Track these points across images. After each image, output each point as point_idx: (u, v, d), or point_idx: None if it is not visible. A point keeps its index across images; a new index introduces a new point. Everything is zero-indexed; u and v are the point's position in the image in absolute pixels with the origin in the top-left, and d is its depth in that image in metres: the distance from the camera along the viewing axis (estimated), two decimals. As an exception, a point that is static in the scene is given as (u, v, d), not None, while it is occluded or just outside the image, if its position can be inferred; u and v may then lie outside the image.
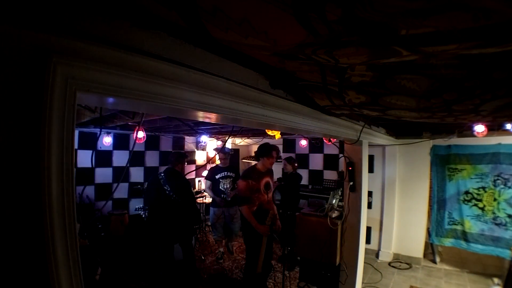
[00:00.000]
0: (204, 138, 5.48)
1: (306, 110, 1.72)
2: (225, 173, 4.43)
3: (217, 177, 4.44)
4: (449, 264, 4.39)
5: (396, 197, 4.74)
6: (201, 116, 1.21)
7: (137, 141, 4.12)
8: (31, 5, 0.57)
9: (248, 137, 6.11)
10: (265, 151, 3.16)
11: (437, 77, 1.08)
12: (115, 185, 5.04)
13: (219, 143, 6.53)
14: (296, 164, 4.67)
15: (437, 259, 4.49)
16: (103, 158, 5.00)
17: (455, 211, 4.24)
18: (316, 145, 5.77)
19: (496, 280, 3.77)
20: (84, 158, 4.37)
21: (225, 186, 4.38)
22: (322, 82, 1.29)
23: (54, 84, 0.60)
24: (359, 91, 1.34)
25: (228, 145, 6.72)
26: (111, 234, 4.43)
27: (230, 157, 4.79)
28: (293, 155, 6.04)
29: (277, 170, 4.77)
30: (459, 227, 4.20)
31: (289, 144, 6.30)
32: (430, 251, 4.57)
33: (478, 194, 4.05)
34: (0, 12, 0.52)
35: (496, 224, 3.90)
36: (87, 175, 4.61)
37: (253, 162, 3.33)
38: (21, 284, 0.58)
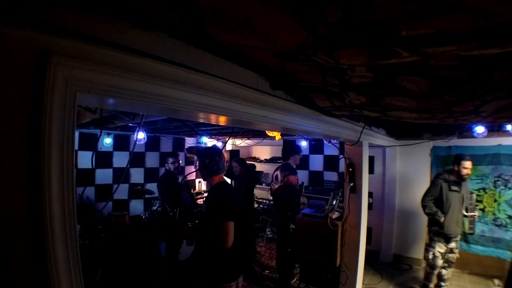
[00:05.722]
0: (204, 139, 5.47)
1: (307, 111, 1.71)
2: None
3: None
4: (449, 266, 4.37)
5: (396, 198, 4.73)
6: (201, 117, 1.21)
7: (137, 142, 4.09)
8: (31, 5, 0.57)
9: (248, 138, 6.10)
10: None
11: (437, 78, 1.08)
12: (115, 186, 5.03)
13: (220, 143, 6.48)
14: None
15: (438, 260, 4.47)
16: (103, 159, 4.99)
17: (456, 212, 4.23)
18: (316, 146, 5.77)
19: (496, 281, 3.76)
20: (85, 159, 4.35)
21: None
22: (323, 83, 1.29)
23: (54, 85, 0.60)
24: (359, 92, 1.34)
25: (229, 146, 6.67)
26: (112, 235, 4.43)
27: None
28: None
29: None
30: (459, 228, 4.18)
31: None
32: (430, 252, 4.55)
33: (478, 195, 4.03)
34: (0, 12, 0.52)
35: (497, 225, 3.89)
36: (87, 176, 4.60)
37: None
38: (21, 285, 0.57)
